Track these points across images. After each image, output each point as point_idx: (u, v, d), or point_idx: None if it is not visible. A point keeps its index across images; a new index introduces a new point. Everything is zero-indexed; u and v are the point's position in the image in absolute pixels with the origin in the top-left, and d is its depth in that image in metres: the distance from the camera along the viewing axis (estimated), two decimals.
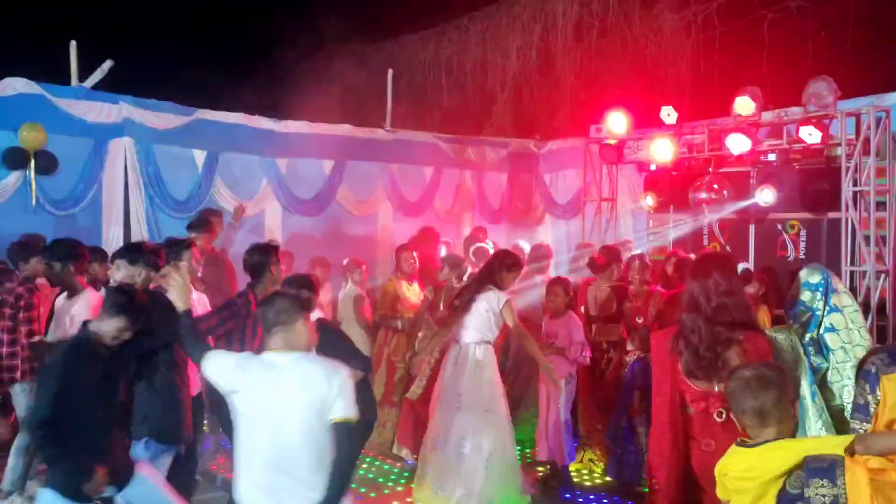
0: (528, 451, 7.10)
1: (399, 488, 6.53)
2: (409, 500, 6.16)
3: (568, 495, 6.36)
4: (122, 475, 4.07)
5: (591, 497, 6.38)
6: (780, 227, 8.86)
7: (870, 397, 2.78)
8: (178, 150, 9.21)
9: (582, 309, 6.95)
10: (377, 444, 7.18)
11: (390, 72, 11.61)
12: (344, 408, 3.38)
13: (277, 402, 3.39)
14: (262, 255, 5.39)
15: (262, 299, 3.87)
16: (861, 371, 2.85)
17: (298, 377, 3.40)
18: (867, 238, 7.39)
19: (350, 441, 3.47)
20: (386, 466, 7.06)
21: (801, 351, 3.90)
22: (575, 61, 12.73)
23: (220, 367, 3.60)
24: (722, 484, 2.93)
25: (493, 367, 6.09)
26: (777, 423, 2.81)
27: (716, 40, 10.89)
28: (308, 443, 3.36)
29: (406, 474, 6.72)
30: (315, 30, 13.49)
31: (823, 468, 2.68)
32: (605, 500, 6.32)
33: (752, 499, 2.75)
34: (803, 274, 4.10)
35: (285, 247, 9.37)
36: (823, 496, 2.61)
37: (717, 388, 3.57)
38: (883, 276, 7.34)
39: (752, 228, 9.09)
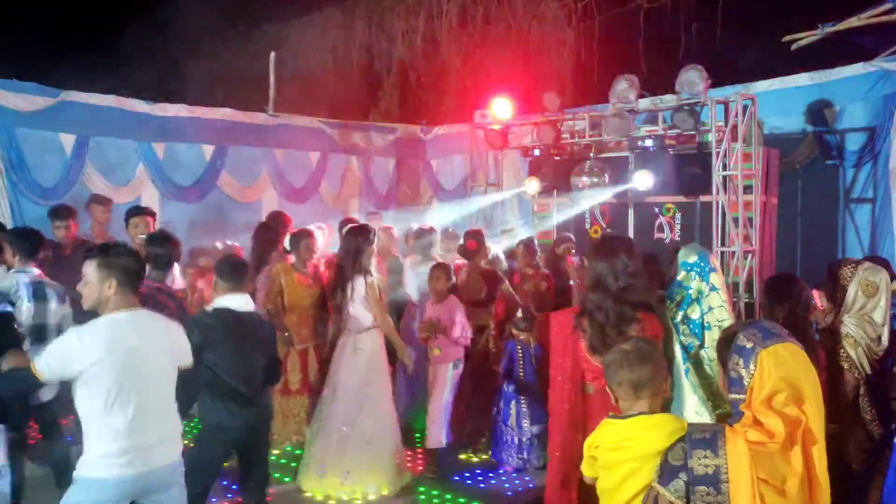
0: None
1: None
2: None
3: (456, 477, 6.42)
4: None
5: (479, 476, 6.47)
6: (656, 210, 9.21)
7: (743, 371, 2.89)
8: (44, 134, 8.69)
9: None
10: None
11: (272, 55, 11.36)
12: None
13: None
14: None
15: None
16: (734, 346, 2.95)
17: None
18: (735, 220, 7.76)
19: None
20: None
21: (674, 330, 4.05)
22: (460, 47, 12.80)
23: None
24: (591, 459, 3.00)
25: (373, 353, 6.08)
26: (650, 397, 2.91)
27: (595, 28, 11.20)
28: None
29: None
30: (196, 11, 12.98)
31: (706, 439, 2.76)
32: (492, 479, 6.41)
33: (626, 473, 2.83)
34: (681, 254, 4.25)
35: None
36: (706, 466, 2.70)
37: None
38: (750, 255, 7.73)
39: (630, 212, 9.42)
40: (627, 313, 3.74)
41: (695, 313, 4.05)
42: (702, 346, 4.02)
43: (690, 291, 4.08)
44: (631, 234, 9.32)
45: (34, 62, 10.01)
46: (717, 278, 4.15)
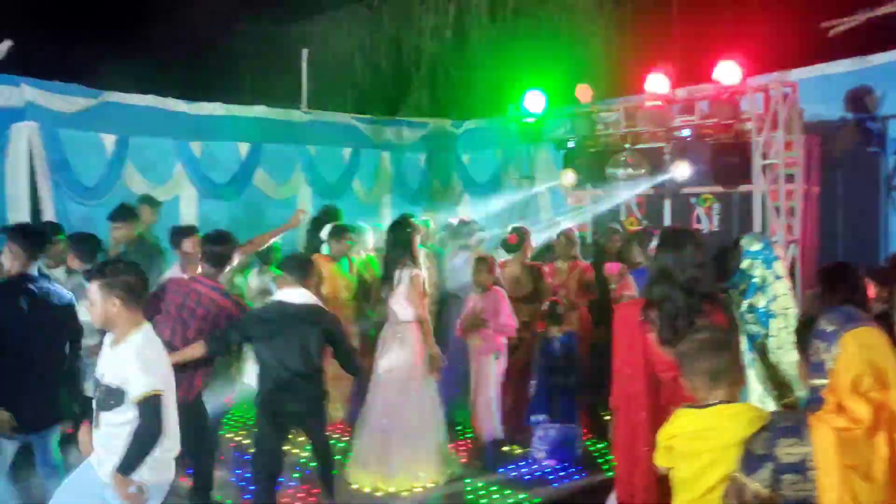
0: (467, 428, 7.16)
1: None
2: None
3: (502, 470, 6.44)
4: None
5: (524, 468, 6.48)
6: (693, 200, 9.17)
7: (825, 355, 2.89)
8: (86, 135, 8.80)
9: None
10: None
11: (305, 51, 11.38)
12: None
13: None
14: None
15: None
16: (815, 331, 2.95)
17: None
18: (777, 210, 7.70)
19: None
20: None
21: (738, 321, 4.04)
22: (490, 40, 12.78)
23: None
24: (666, 450, 3.00)
25: (415, 345, 6.09)
26: (728, 386, 2.91)
27: (628, 18, 11.13)
28: None
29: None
30: (227, 9, 13.07)
31: (791, 427, 2.75)
32: (538, 472, 6.42)
33: (706, 463, 2.83)
34: (744, 242, 4.24)
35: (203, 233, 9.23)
36: (793, 454, 2.69)
37: None
38: (792, 245, 7.68)
39: (667, 203, 9.38)
40: (695, 304, 3.74)
41: (760, 302, 4.03)
42: (767, 335, 4.01)
43: (755, 280, 4.07)
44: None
45: (74, 63, 10.10)
46: (780, 266, 4.14)
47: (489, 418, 6.40)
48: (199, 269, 5.28)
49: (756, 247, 4.17)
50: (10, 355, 4.50)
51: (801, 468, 2.67)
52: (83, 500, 3.69)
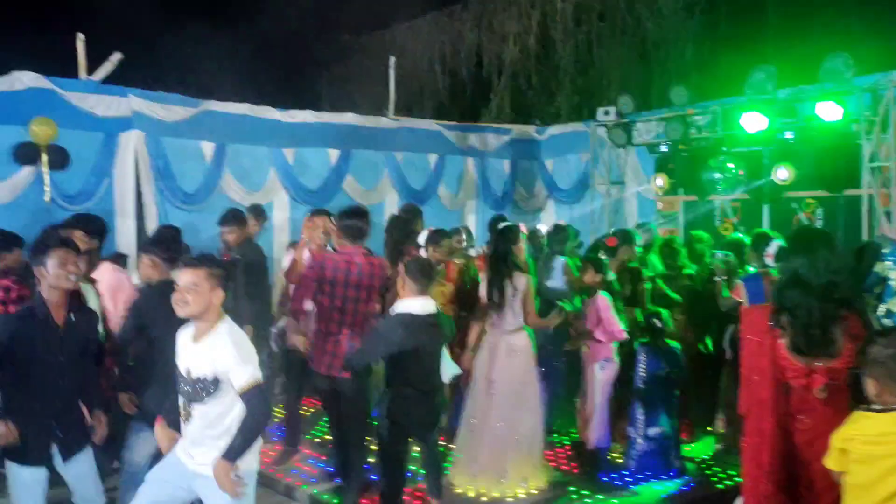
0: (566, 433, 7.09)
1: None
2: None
3: (605, 478, 6.34)
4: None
5: (629, 477, 6.38)
6: (794, 205, 8.91)
7: None
8: (187, 142, 9.06)
9: None
10: None
11: (392, 59, 11.48)
12: None
13: None
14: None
15: None
16: None
17: None
18: (888, 214, 7.42)
19: None
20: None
21: (875, 325, 3.89)
22: (575, 45, 12.68)
23: None
24: (842, 452, 2.90)
25: (528, 351, 6.06)
26: None
27: (721, 20, 10.90)
28: None
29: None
30: (318, 20, 13.32)
31: None
32: (642, 480, 6.31)
33: (887, 468, 2.72)
34: (878, 245, 4.09)
35: (295, 238, 9.38)
36: None
37: (819, 364, 3.54)
38: None
39: (765, 208, 9.14)
40: (831, 311, 3.60)
41: None
42: None
43: (892, 283, 3.92)
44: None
45: (175, 73, 10.43)
46: None
47: (596, 426, 6.32)
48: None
49: (888, 248, 4.01)
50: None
51: None
52: (171, 492, 3.77)
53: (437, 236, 7.11)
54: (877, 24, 9.82)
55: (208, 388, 3.59)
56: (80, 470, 4.16)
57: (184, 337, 3.79)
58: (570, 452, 6.80)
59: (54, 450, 4.08)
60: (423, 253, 7.14)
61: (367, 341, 5.03)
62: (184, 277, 3.67)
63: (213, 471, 3.54)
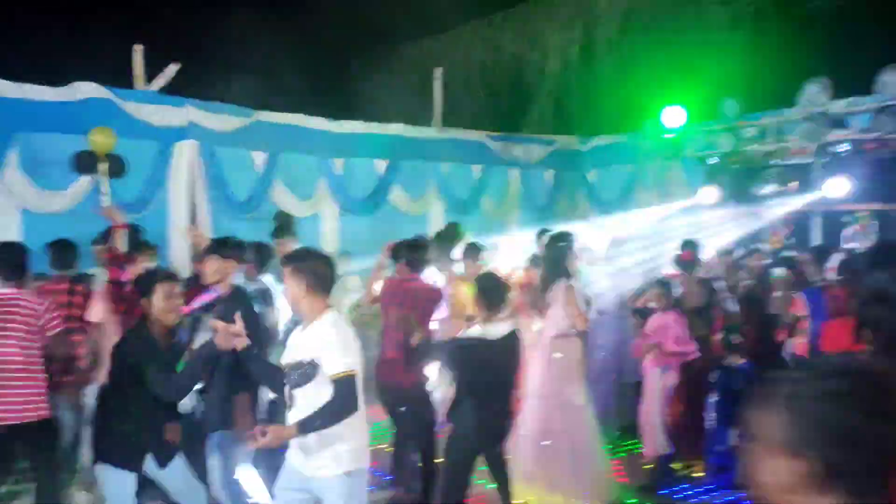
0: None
1: None
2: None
3: (665, 490, 6.29)
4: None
5: (689, 491, 6.32)
6: (845, 219, 8.82)
7: None
8: (239, 152, 9.17)
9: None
10: None
11: (438, 70, 11.53)
12: None
13: None
14: None
15: None
16: None
17: None
18: None
19: None
20: None
21: None
22: (619, 56, 12.67)
23: None
24: None
25: (569, 358, 6.03)
26: None
27: (767, 31, 10.83)
28: None
29: None
30: (365, 31, 13.44)
31: None
32: (703, 495, 6.24)
33: None
34: None
35: (342, 247, 9.46)
36: None
37: None
38: None
39: (816, 220, 9.06)
40: None
41: None
42: None
43: None
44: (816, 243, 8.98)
45: (228, 84, 10.58)
46: None
47: (654, 432, 6.28)
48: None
49: None
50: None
51: None
52: (295, 497, 3.83)
53: (472, 250, 7.12)
54: None
55: (307, 371, 3.64)
56: (176, 473, 4.28)
57: (295, 330, 3.94)
58: (628, 462, 6.76)
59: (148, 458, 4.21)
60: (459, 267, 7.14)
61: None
62: (285, 275, 3.83)
63: (270, 428, 3.56)
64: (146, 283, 4.28)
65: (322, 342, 3.66)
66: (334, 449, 3.66)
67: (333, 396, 3.58)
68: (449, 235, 7.61)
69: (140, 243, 6.48)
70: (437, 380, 5.63)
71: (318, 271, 3.78)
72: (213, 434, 4.80)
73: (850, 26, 10.24)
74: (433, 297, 5.94)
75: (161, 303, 4.19)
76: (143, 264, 5.85)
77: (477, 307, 4.95)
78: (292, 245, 7.14)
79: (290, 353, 3.83)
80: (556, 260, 6.14)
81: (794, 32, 10.38)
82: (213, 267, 4.94)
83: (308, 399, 3.67)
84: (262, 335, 4.98)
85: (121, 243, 5.97)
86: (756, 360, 6.41)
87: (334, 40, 13.94)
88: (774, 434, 1.42)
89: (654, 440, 6.30)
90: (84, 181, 7.95)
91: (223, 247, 5.11)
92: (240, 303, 4.64)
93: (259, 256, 6.06)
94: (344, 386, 3.57)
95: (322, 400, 3.61)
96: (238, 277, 5.36)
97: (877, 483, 1.38)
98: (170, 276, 4.37)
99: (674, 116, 9.67)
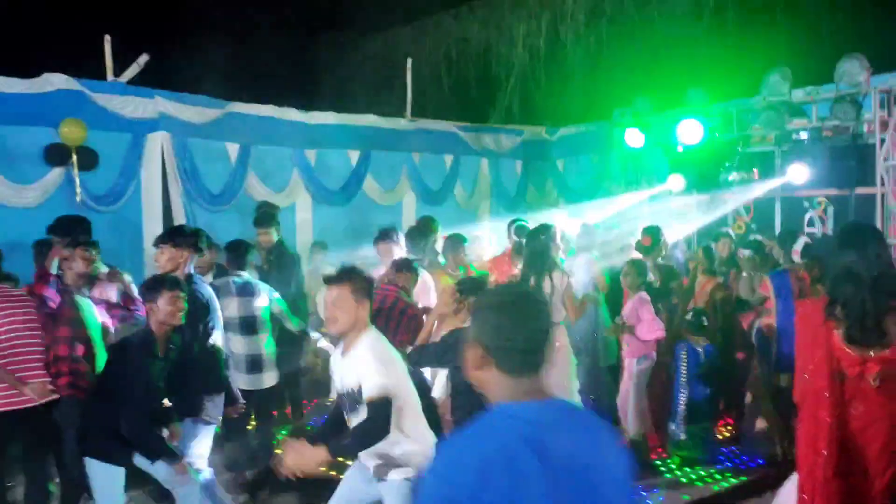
0: None
1: None
2: None
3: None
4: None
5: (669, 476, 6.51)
6: (805, 204, 9.08)
7: None
8: (212, 144, 9.16)
9: None
10: None
11: (409, 60, 11.61)
12: None
13: None
14: None
15: None
16: None
17: None
18: None
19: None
20: None
21: None
22: (585, 47, 12.84)
23: None
24: None
25: (561, 349, 6.16)
26: None
27: (729, 21, 11.07)
28: None
29: None
30: (337, 23, 13.43)
31: None
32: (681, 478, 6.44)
33: None
34: None
35: (316, 238, 9.53)
36: None
37: (872, 354, 3.70)
38: None
39: (777, 206, 9.31)
40: (883, 303, 3.76)
41: None
42: None
43: None
44: (778, 229, 9.25)
45: (200, 75, 10.54)
46: None
47: (627, 416, 6.48)
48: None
49: None
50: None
51: None
52: (358, 496, 3.95)
53: (455, 242, 7.11)
54: (891, 22, 9.96)
55: (356, 398, 3.67)
56: (166, 469, 4.39)
57: (336, 354, 3.92)
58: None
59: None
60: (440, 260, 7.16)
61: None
62: (330, 294, 3.72)
63: (299, 445, 3.54)
64: (153, 287, 4.42)
65: (361, 368, 3.67)
66: (402, 455, 3.73)
67: (366, 419, 3.61)
68: (424, 230, 7.62)
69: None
70: (435, 381, 5.62)
71: (370, 289, 3.81)
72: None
73: (810, 17, 10.51)
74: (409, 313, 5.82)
75: (166, 307, 4.37)
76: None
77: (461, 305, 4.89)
78: (274, 236, 7.22)
79: (339, 381, 3.87)
80: (539, 253, 6.19)
81: (755, 22, 10.63)
82: (165, 255, 4.96)
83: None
84: (203, 328, 4.94)
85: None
86: (722, 342, 6.65)
87: (301, 27, 13.88)
88: (469, 331, 2.15)
89: (631, 423, 6.48)
90: (56, 173, 7.90)
91: (177, 235, 5.13)
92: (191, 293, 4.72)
93: (235, 255, 6.11)
94: (376, 409, 3.56)
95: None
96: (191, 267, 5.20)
97: (528, 362, 2.06)
98: (175, 283, 4.48)
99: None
